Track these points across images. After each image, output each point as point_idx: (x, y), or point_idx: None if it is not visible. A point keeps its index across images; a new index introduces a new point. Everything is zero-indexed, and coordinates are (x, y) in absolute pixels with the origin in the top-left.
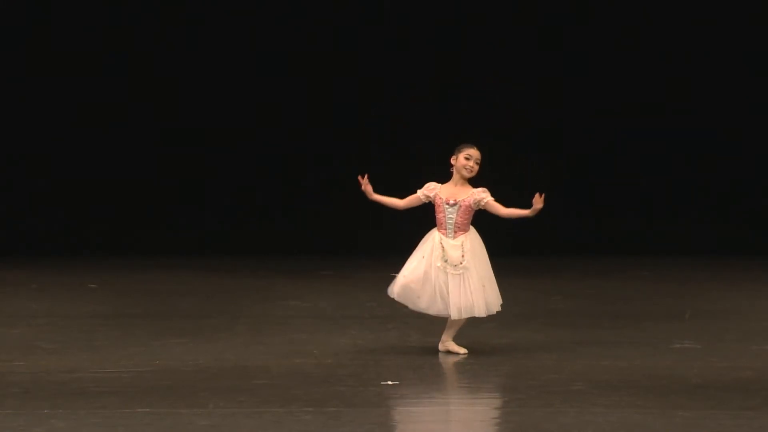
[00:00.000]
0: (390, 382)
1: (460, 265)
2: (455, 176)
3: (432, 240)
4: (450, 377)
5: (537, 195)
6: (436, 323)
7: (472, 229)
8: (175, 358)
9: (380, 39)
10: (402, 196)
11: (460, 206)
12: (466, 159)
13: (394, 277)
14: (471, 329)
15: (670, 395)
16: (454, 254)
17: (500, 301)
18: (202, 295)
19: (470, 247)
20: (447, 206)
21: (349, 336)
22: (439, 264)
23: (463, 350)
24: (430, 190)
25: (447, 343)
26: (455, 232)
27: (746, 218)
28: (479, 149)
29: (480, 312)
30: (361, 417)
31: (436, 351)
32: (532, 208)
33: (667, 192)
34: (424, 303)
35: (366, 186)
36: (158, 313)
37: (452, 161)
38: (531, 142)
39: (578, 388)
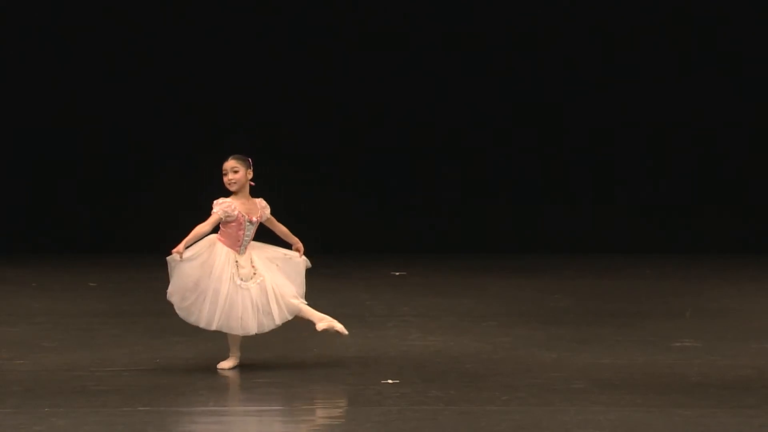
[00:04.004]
0: (390, 381)
1: (255, 276)
2: (237, 192)
3: (230, 261)
4: (450, 376)
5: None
6: (435, 322)
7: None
8: (175, 357)
9: None
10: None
11: (257, 221)
12: (224, 175)
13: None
14: (473, 327)
15: (670, 393)
16: (245, 268)
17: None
18: None
19: (255, 256)
20: (249, 224)
21: (350, 335)
22: (238, 282)
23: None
24: (232, 209)
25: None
26: (245, 247)
27: (746, 216)
28: (236, 157)
29: (278, 319)
30: (362, 415)
31: (437, 349)
32: (299, 245)
33: (666, 191)
34: (251, 324)
35: (180, 254)
36: (158, 311)
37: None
38: (531, 137)
39: (579, 387)
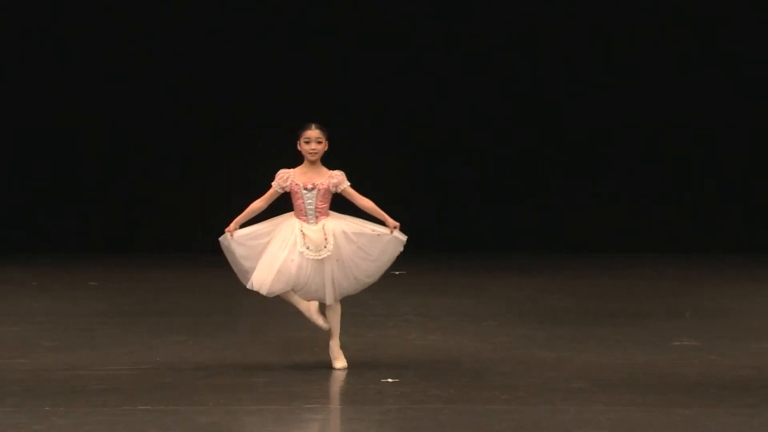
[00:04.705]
0: (390, 380)
1: (325, 249)
2: (306, 161)
3: (292, 228)
4: (450, 375)
5: (393, 227)
6: (435, 321)
7: (332, 213)
8: (175, 356)
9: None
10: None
11: (319, 190)
12: (306, 143)
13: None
14: (473, 327)
15: (670, 393)
16: (316, 238)
17: (377, 275)
18: (203, 292)
19: (332, 230)
20: (305, 191)
21: (349, 334)
22: (302, 250)
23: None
24: (284, 179)
25: (336, 350)
26: (316, 217)
27: (746, 216)
28: (320, 127)
29: (329, 299)
30: (361, 414)
31: (437, 348)
32: (388, 226)
33: (666, 190)
34: (302, 289)
35: (232, 233)
36: (158, 311)
37: (298, 147)
38: (532, 136)
39: (578, 386)
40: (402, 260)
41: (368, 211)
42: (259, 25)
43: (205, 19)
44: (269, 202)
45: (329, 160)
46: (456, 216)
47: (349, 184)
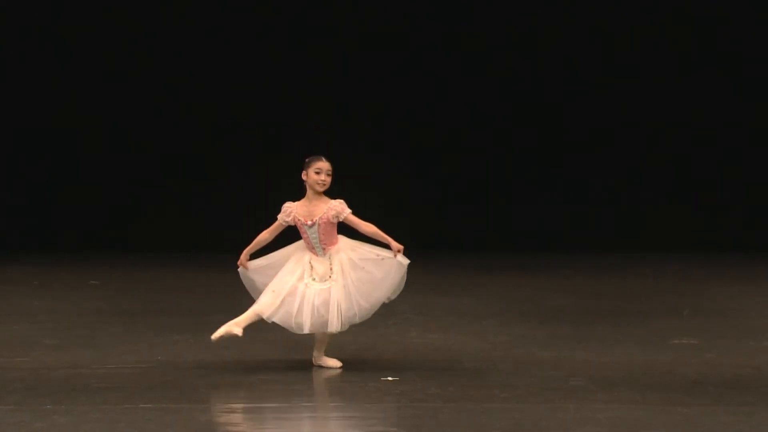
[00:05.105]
0: (390, 378)
1: (330, 279)
2: (309, 192)
3: (302, 261)
4: (450, 373)
5: (396, 251)
6: (435, 320)
7: (341, 238)
8: (176, 355)
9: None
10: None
11: (320, 225)
12: (317, 173)
13: None
14: (472, 326)
15: (668, 391)
16: (322, 270)
17: (380, 299)
18: (203, 291)
19: (338, 260)
20: (307, 227)
21: (350, 332)
22: (307, 281)
23: (337, 363)
24: (288, 214)
25: (320, 358)
26: (323, 249)
27: (745, 215)
28: (328, 160)
29: (333, 327)
30: (362, 412)
31: (437, 347)
32: (392, 250)
33: (665, 189)
34: (303, 321)
35: (245, 264)
36: (159, 310)
37: (303, 177)
38: (532, 136)
39: (578, 384)
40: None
41: (372, 236)
42: (259, 25)
43: (205, 19)
44: (275, 235)
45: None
46: (456, 215)
47: (350, 211)
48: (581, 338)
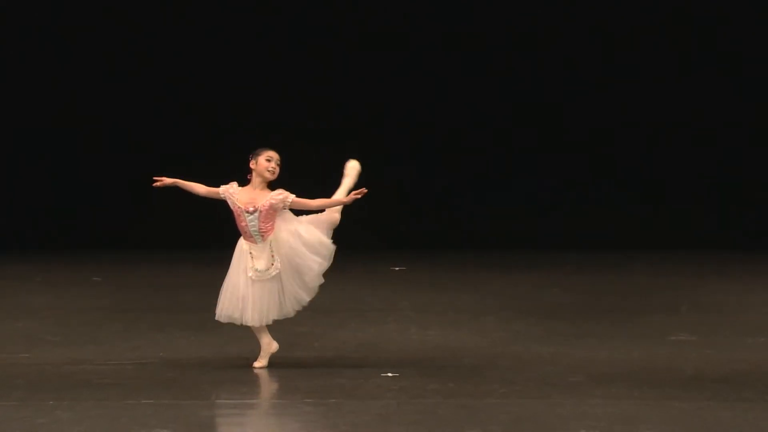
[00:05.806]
0: (390, 374)
1: (273, 267)
2: (255, 180)
3: (242, 252)
4: (449, 369)
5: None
6: (435, 317)
7: (277, 225)
8: (178, 351)
9: None
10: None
11: (261, 212)
12: (267, 161)
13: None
14: (471, 322)
15: (666, 387)
16: (264, 259)
17: (317, 282)
18: (205, 288)
19: (277, 245)
20: (248, 214)
21: (349, 329)
22: (250, 274)
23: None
24: (231, 193)
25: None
26: (262, 236)
27: (742, 211)
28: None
29: (273, 316)
30: (362, 408)
31: (436, 344)
32: (349, 196)
33: (665, 190)
34: (249, 316)
35: (161, 183)
36: (161, 307)
37: (251, 165)
38: (532, 136)
39: (576, 380)
40: (401, 258)
41: (324, 207)
42: (259, 25)
43: (205, 19)
44: (206, 195)
45: (330, 156)
46: (455, 215)
47: (294, 196)
48: (579, 335)
